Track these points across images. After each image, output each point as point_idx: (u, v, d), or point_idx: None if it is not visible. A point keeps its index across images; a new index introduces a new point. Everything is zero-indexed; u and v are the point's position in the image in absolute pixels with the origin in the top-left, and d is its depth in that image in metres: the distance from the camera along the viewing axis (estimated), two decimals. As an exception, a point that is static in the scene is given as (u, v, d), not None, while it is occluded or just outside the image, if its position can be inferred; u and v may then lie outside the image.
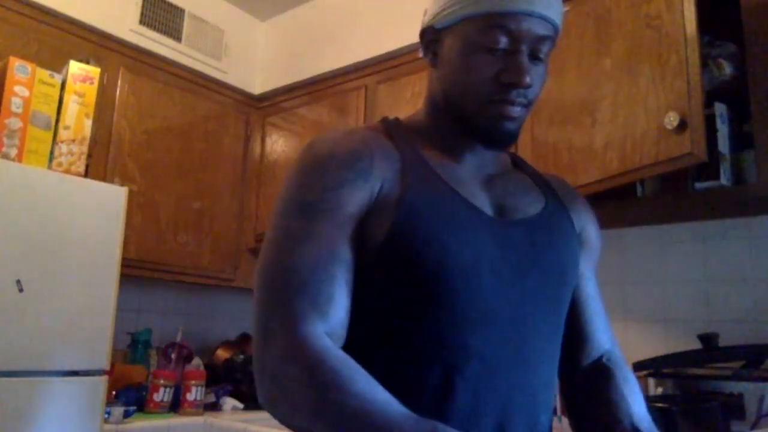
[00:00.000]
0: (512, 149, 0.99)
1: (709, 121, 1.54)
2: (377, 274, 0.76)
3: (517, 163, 0.99)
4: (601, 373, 0.90)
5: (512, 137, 0.86)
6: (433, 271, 0.75)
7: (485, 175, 0.89)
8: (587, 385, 0.91)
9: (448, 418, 0.74)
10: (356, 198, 0.76)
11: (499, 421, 0.77)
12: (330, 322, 0.71)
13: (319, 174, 0.77)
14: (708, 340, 1.62)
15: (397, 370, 0.75)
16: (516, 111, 0.83)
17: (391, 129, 0.88)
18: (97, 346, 1.96)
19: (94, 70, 2.17)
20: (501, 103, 0.83)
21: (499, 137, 0.86)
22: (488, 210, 0.84)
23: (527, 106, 0.85)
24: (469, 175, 0.87)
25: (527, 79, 0.81)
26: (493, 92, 0.82)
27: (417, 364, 0.75)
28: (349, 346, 0.73)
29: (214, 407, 2.52)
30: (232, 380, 2.67)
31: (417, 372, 0.75)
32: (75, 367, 1.90)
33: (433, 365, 0.75)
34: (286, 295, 0.71)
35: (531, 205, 0.88)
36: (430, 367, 0.75)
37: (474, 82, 0.83)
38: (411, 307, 0.76)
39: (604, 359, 0.92)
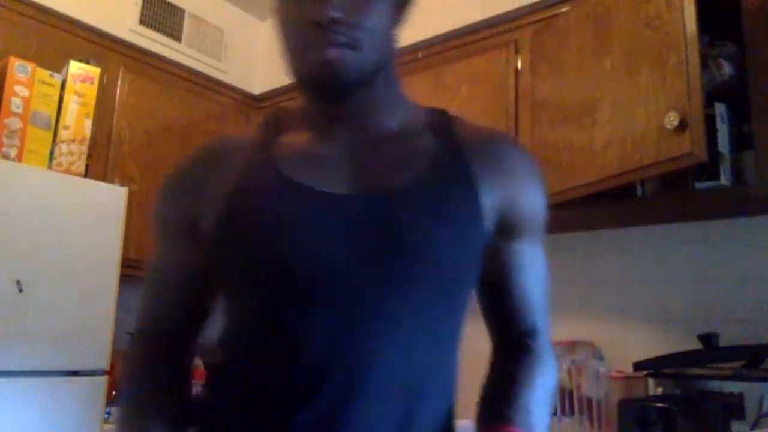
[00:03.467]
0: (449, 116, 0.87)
1: (709, 121, 1.54)
2: (216, 275, 0.80)
3: (436, 123, 0.84)
4: (512, 354, 0.82)
5: (343, 85, 0.75)
6: (253, 263, 0.74)
7: (355, 145, 0.79)
8: (496, 364, 0.84)
9: (289, 402, 0.72)
10: (185, 215, 0.81)
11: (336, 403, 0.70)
12: (164, 326, 0.86)
13: (159, 199, 0.86)
14: (708, 340, 1.62)
15: (247, 366, 0.77)
16: (335, 52, 0.73)
17: (266, 125, 0.85)
18: (97, 346, 1.95)
19: (94, 70, 2.17)
20: (314, 47, 0.73)
21: (325, 89, 0.76)
22: (342, 187, 0.75)
23: (355, 46, 0.74)
24: (332, 150, 0.78)
25: (329, 12, 0.72)
26: (304, 38, 0.74)
27: (261, 358, 0.75)
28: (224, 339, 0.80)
29: (214, 407, 2.52)
30: (232, 380, 2.66)
31: (261, 366, 0.75)
32: (75, 367, 1.90)
33: (276, 359, 0.73)
34: (142, 306, 0.89)
35: (401, 176, 0.76)
36: (273, 366, 0.74)
37: (287, 34, 0.77)
38: (247, 302, 0.77)
39: (522, 340, 0.83)
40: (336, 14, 0.72)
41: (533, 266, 0.83)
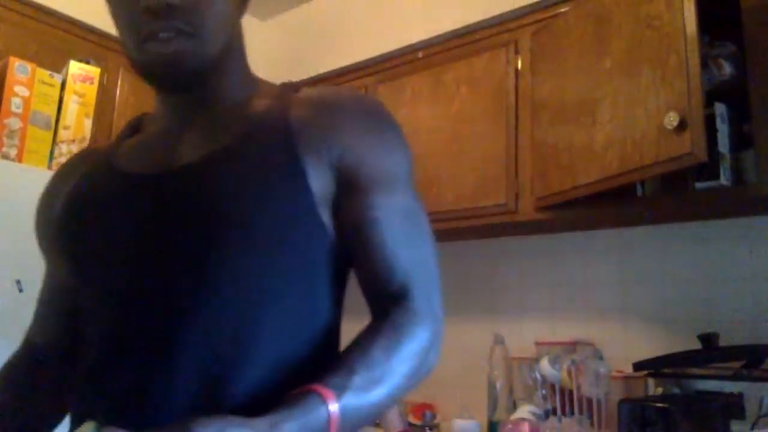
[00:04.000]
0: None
1: (709, 121, 1.54)
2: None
3: (279, 92, 0.79)
4: (373, 322, 0.70)
5: (185, 78, 0.72)
6: (74, 258, 0.76)
7: (183, 124, 0.77)
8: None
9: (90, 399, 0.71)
10: (46, 232, 0.83)
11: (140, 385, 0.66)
12: (36, 336, 0.90)
13: (34, 220, 0.87)
14: (708, 340, 1.62)
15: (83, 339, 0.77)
16: (174, 44, 0.69)
17: (125, 128, 0.86)
18: (97, 346, 1.96)
19: (94, 70, 2.17)
20: (152, 37, 0.70)
21: (166, 82, 0.74)
22: (156, 167, 0.74)
23: (191, 34, 0.70)
24: (162, 134, 0.78)
25: None
26: (141, 27, 0.70)
27: (83, 345, 0.76)
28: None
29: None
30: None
31: (83, 352, 0.75)
32: (75, 367, 1.90)
33: (90, 342, 0.73)
34: None
35: (213, 146, 0.72)
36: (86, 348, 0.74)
37: (123, 24, 0.73)
38: (82, 302, 0.77)
39: (386, 306, 0.70)
40: (173, 0, 0.68)
41: (394, 221, 0.71)
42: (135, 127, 0.85)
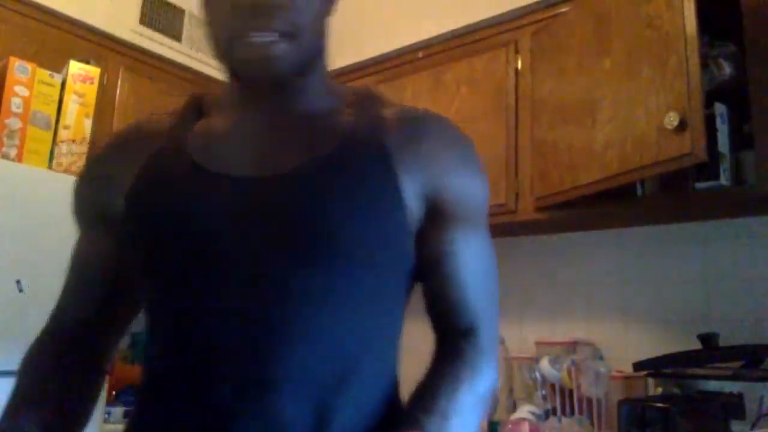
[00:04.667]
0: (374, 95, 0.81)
1: (709, 121, 1.54)
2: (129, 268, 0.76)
3: (359, 103, 0.78)
4: (445, 356, 0.74)
5: (276, 80, 0.71)
6: (149, 253, 0.71)
7: (271, 126, 0.74)
8: (429, 366, 0.75)
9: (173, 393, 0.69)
10: (93, 207, 0.79)
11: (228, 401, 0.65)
12: (66, 315, 0.82)
13: (76, 184, 0.82)
14: (708, 340, 1.62)
15: (159, 337, 0.73)
16: (271, 46, 0.67)
17: (187, 107, 0.82)
18: (97, 346, 1.95)
19: (94, 70, 2.17)
20: (247, 35, 0.67)
21: (256, 82, 0.72)
22: (246, 169, 0.70)
23: (291, 36, 0.68)
24: (246, 132, 0.74)
25: None
26: (238, 24, 0.68)
27: (166, 354, 0.71)
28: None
29: (214, 407, 2.52)
30: (232, 380, 2.66)
31: (160, 357, 0.72)
32: (75, 367, 1.90)
33: (170, 350, 0.70)
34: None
35: (307, 156, 0.70)
36: (168, 356, 0.71)
37: (215, 18, 0.71)
38: (149, 297, 0.74)
39: (457, 340, 0.74)
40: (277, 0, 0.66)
41: (470, 257, 0.74)
42: (196, 108, 0.81)
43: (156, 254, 0.71)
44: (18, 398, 0.76)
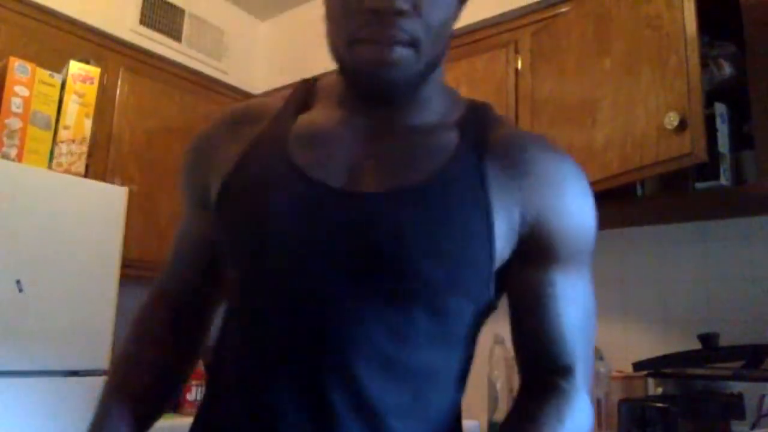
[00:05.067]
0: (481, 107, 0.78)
1: (709, 121, 1.54)
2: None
3: (469, 120, 0.74)
4: (539, 392, 0.69)
5: (394, 89, 0.68)
6: (233, 244, 0.72)
7: (374, 136, 0.71)
8: (520, 402, 0.71)
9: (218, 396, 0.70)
10: (196, 185, 0.79)
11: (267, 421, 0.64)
12: (170, 286, 0.84)
13: (184, 160, 0.83)
14: (708, 340, 1.62)
15: (230, 327, 0.73)
16: (391, 52, 0.64)
17: (297, 93, 0.79)
18: (97, 347, 1.95)
19: (94, 70, 2.17)
20: (367, 42, 0.65)
21: (374, 89, 0.69)
22: (342, 179, 0.68)
23: (413, 44, 0.65)
24: (349, 138, 0.71)
25: (397, 2, 0.62)
26: (359, 27, 0.65)
27: (236, 348, 0.71)
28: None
29: (214, 407, 2.51)
30: (232, 380, 2.66)
31: (234, 357, 0.71)
32: (75, 367, 1.90)
33: (245, 351, 0.69)
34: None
35: (405, 175, 0.67)
36: (234, 340, 0.71)
37: (338, 17, 0.68)
38: (230, 286, 0.75)
39: (553, 378, 0.69)
40: (404, 5, 0.63)
41: (571, 298, 0.69)
42: (306, 97, 0.78)
43: (236, 248, 0.71)
44: (132, 362, 0.79)
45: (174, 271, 0.85)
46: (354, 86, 0.72)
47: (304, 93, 0.78)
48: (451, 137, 0.71)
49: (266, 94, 2.99)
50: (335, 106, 0.74)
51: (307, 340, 0.64)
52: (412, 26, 0.64)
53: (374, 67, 0.65)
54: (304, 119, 0.74)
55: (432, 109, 0.73)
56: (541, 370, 0.70)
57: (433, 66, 0.70)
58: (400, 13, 0.63)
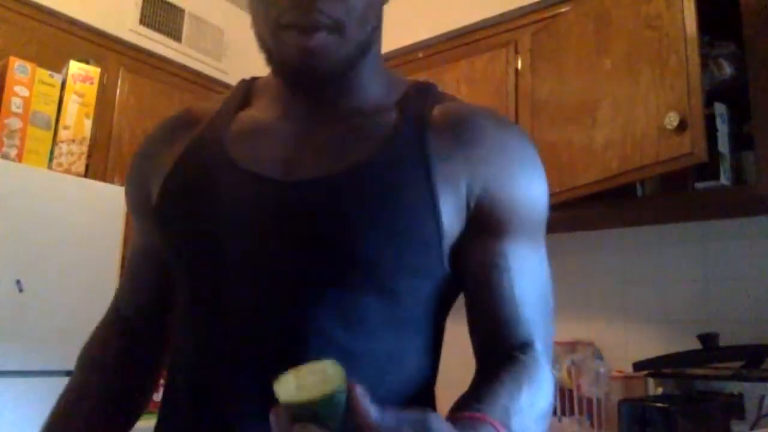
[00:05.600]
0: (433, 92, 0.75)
1: (709, 121, 1.54)
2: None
3: (410, 99, 0.72)
4: (496, 366, 0.65)
5: (322, 76, 0.66)
6: (174, 246, 0.70)
7: (311, 124, 0.70)
8: (474, 380, 0.66)
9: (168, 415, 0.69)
10: (139, 195, 0.77)
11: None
12: (122, 306, 0.83)
13: (125, 176, 0.82)
14: (708, 340, 1.62)
15: (181, 330, 0.72)
16: (317, 39, 0.62)
17: (235, 93, 0.78)
18: (97, 346, 1.96)
19: (94, 70, 2.17)
20: (289, 28, 0.62)
21: (301, 78, 0.67)
22: (279, 169, 0.66)
23: (336, 29, 0.63)
24: (286, 129, 0.70)
25: None
26: (280, 14, 0.63)
27: (188, 350, 0.70)
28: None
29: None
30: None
31: (179, 360, 0.71)
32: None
33: (188, 351, 0.69)
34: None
35: (343, 159, 0.65)
36: (185, 339, 0.70)
37: (259, 6, 0.66)
38: (178, 289, 0.73)
39: (512, 353, 0.65)
40: None
41: (523, 270, 0.67)
42: (245, 96, 0.77)
43: (179, 248, 0.70)
44: (78, 392, 0.77)
45: (125, 293, 0.83)
46: (282, 76, 0.70)
47: (243, 92, 0.78)
48: (390, 117, 0.69)
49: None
50: (272, 101, 0.73)
51: (258, 335, 0.63)
52: (333, 9, 0.62)
53: (298, 55, 0.63)
54: (243, 116, 0.74)
55: (369, 93, 0.71)
56: (498, 347, 0.66)
57: (363, 49, 0.68)
58: None
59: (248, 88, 0.78)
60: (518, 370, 0.63)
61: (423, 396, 0.69)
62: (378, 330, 0.64)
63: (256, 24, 0.68)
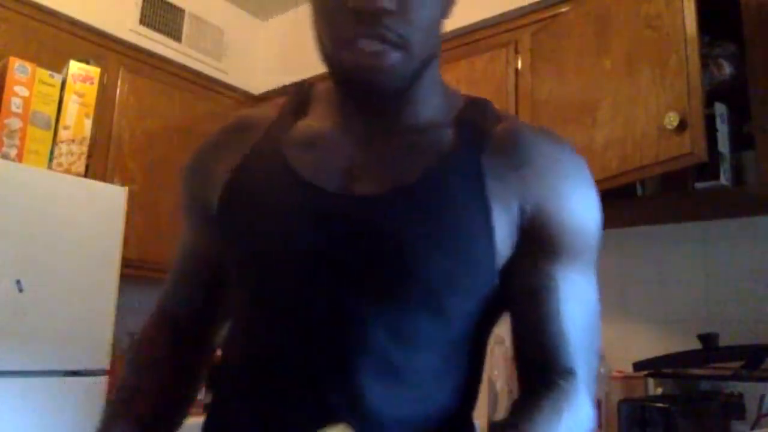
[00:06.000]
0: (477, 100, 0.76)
1: (709, 121, 1.54)
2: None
3: (468, 116, 0.72)
4: (536, 393, 0.66)
5: (385, 92, 0.65)
6: (234, 253, 0.71)
7: (366, 138, 0.70)
8: (515, 404, 0.68)
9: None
10: (196, 198, 0.78)
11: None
12: (170, 305, 0.83)
13: (182, 177, 0.82)
14: (708, 340, 1.62)
15: (234, 334, 0.74)
16: (380, 55, 0.62)
17: (291, 101, 0.78)
18: (97, 346, 1.96)
19: (94, 70, 2.17)
20: (357, 43, 0.62)
21: (363, 93, 0.67)
22: (338, 183, 0.67)
23: (402, 45, 0.62)
24: (341, 140, 0.70)
25: (382, 1, 0.59)
26: (345, 29, 0.62)
27: (243, 356, 0.71)
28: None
29: (214, 407, 2.51)
30: (232, 380, 2.66)
31: (242, 364, 0.72)
32: (75, 367, 1.90)
33: (242, 357, 0.70)
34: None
35: (400, 176, 0.66)
36: (237, 348, 0.72)
37: (322, 19, 0.66)
38: (234, 294, 0.74)
39: (553, 379, 0.65)
40: (389, 4, 0.60)
41: (571, 295, 0.67)
42: (301, 103, 0.77)
43: (238, 256, 0.71)
44: (131, 391, 0.77)
45: (175, 290, 0.84)
46: (344, 90, 0.70)
47: (300, 99, 0.78)
48: (448, 134, 0.69)
49: (264, 96, 2.99)
50: (331, 110, 0.73)
51: (309, 347, 0.64)
52: (399, 26, 0.62)
53: (361, 71, 0.63)
54: (301, 125, 0.74)
55: (427, 108, 0.71)
56: (541, 371, 0.67)
57: (425, 65, 0.68)
58: (386, 12, 0.61)
59: (305, 95, 0.78)
60: (558, 398, 0.64)
61: (464, 409, 0.70)
62: (425, 346, 0.65)
63: (320, 38, 0.68)
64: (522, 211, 0.66)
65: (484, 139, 0.68)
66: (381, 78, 0.63)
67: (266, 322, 0.68)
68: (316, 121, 0.74)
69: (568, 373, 0.66)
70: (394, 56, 0.62)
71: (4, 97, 1.96)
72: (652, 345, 1.88)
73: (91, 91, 2.14)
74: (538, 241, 0.66)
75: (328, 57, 0.67)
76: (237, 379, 0.70)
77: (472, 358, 0.70)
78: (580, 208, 0.69)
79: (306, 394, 0.63)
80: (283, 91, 2.93)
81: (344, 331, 0.63)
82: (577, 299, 0.68)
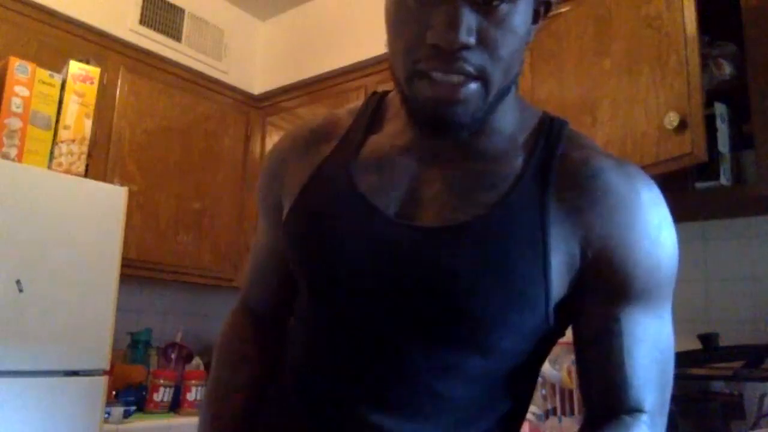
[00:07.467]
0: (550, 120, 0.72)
1: (709, 121, 1.54)
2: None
3: (538, 140, 0.68)
4: (608, 424, 0.64)
5: (459, 126, 0.62)
6: (297, 263, 0.74)
7: (435, 163, 0.68)
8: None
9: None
10: (271, 200, 0.80)
11: None
12: (251, 301, 0.87)
13: (260, 175, 0.85)
14: (708, 340, 1.62)
15: (294, 336, 0.79)
16: (457, 88, 0.59)
17: (364, 107, 0.78)
18: (97, 346, 1.96)
19: (94, 70, 2.17)
20: (427, 76, 0.60)
21: (434, 126, 0.63)
22: (397, 208, 0.67)
23: (479, 78, 0.60)
24: (409, 164, 0.69)
25: (461, 36, 0.57)
26: (421, 60, 0.60)
27: (297, 345, 0.77)
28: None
29: (214, 407, 2.51)
30: (232, 380, 2.66)
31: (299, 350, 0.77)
32: (75, 367, 1.90)
33: (300, 362, 0.75)
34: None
35: (466, 208, 0.65)
36: (300, 359, 0.76)
37: (399, 48, 0.63)
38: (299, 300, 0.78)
39: (620, 414, 0.65)
40: (468, 40, 0.57)
41: (639, 337, 0.66)
42: (376, 112, 0.76)
43: (302, 268, 0.73)
44: (226, 387, 0.81)
45: (256, 285, 0.87)
46: (417, 124, 0.66)
47: (374, 109, 0.76)
48: (517, 164, 0.66)
49: (264, 96, 2.99)
50: (402, 128, 0.71)
51: (359, 371, 0.67)
52: (478, 58, 0.59)
53: (437, 103, 0.60)
54: (372, 142, 0.73)
55: (500, 132, 0.68)
56: (605, 411, 0.66)
57: (503, 95, 0.65)
58: (466, 45, 0.58)
59: (378, 105, 0.77)
60: (619, 427, 0.63)
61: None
62: (473, 380, 0.66)
63: (394, 66, 0.65)
64: (584, 251, 0.64)
65: (551, 173, 0.65)
66: (455, 110, 0.61)
67: (321, 334, 0.72)
68: (387, 138, 0.72)
69: (635, 412, 0.65)
70: (472, 87, 0.60)
71: (4, 97, 1.96)
72: (652, 345, 1.88)
73: (91, 91, 2.14)
74: (603, 284, 0.64)
75: (401, 87, 0.65)
76: (294, 377, 0.74)
77: (521, 386, 0.72)
78: (650, 248, 0.66)
79: (349, 412, 0.67)
80: (282, 91, 2.93)
81: (390, 361, 0.65)
82: (644, 340, 0.67)
